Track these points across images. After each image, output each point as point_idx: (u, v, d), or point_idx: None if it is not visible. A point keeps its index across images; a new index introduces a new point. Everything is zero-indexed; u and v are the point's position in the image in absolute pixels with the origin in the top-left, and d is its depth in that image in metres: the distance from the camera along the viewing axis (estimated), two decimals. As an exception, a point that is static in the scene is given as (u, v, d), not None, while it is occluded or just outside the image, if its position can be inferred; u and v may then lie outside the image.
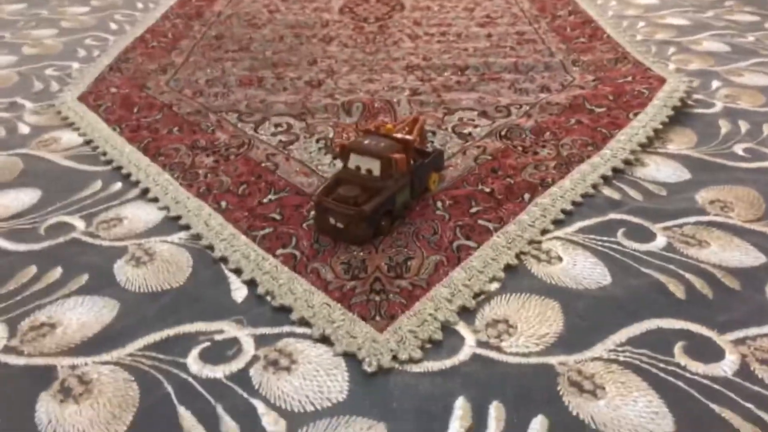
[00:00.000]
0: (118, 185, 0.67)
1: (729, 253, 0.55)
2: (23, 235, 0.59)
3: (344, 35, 1.13)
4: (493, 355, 0.45)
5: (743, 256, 0.55)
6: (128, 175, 0.68)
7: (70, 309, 0.50)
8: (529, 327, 0.47)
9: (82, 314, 0.49)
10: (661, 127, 0.75)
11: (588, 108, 0.80)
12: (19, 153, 0.75)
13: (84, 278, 0.53)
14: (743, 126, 0.77)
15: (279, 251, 0.55)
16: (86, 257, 0.56)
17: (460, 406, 0.41)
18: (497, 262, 0.53)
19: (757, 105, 0.83)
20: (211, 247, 0.56)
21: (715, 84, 0.89)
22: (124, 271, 0.54)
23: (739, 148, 0.72)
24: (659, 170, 0.68)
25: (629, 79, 0.88)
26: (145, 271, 0.54)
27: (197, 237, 0.58)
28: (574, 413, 0.41)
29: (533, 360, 0.45)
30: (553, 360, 0.44)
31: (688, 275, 0.52)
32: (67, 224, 0.61)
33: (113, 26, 1.21)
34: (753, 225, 0.59)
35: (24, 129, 0.81)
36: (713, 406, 0.41)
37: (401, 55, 1.02)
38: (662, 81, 0.86)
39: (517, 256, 0.55)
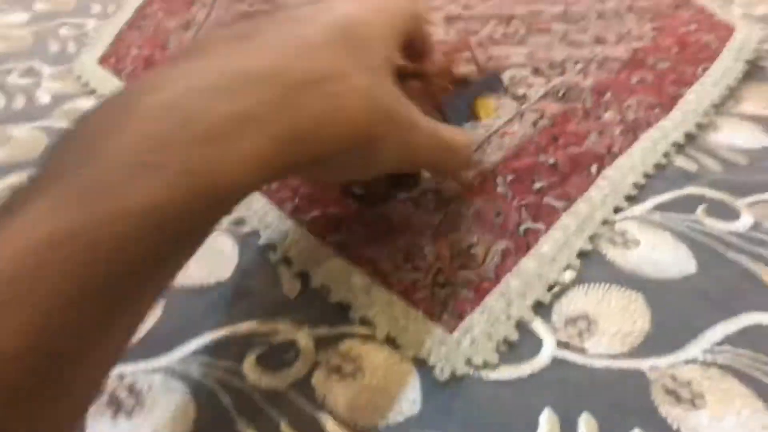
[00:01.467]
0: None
1: (825, 233, 0.50)
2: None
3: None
4: (576, 358, 0.41)
5: (841, 235, 0.49)
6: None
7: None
8: (612, 324, 0.43)
9: (125, 314, 0.46)
10: (734, 83, 0.68)
11: (650, 63, 0.73)
12: (42, 126, 0.70)
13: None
14: (824, 80, 0.70)
15: (329, 238, 0.51)
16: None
17: (546, 419, 0.38)
18: (569, 248, 0.49)
19: (835, 54, 0.75)
20: (256, 234, 0.52)
21: (786, 31, 0.81)
22: (165, 263, 0.50)
23: (821, 107, 0.66)
24: (736, 135, 0.62)
25: (692, 27, 0.81)
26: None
27: (240, 221, 0.54)
28: (674, 427, 0.37)
29: (621, 363, 0.41)
30: (643, 364, 0.40)
31: (784, 262, 0.47)
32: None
33: (127, -23, 1.14)
34: None
35: (44, 98, 0.76)
36: (830, 419, 0.37)
37: (440, 3, 0.94)
38: (730, 29, 0.78)
39: (591, 239, 0.50)
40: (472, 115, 0.45)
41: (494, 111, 0.46)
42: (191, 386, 0.41)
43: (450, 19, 0.89)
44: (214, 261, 0.50)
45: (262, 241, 0.51)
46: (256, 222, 0.53)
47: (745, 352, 0.41)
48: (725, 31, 0.78)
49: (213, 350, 0.43)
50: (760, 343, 0.41)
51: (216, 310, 0.46)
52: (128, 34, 0.89)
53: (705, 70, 0.71)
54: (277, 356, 0.42)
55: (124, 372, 0.42)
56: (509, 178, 0.56)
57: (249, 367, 0.42)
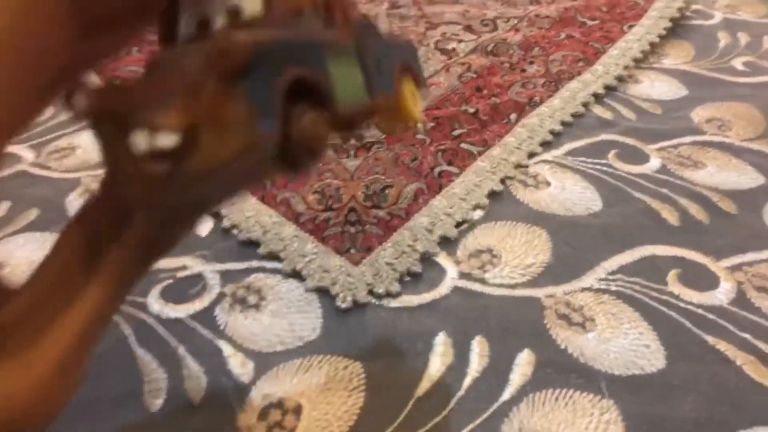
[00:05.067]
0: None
1: (725, 175, 0.52)
2: (-32, 167, 0.55)
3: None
4: (476, 287, 0.42)
5: (740, 177, 0.51)
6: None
7: (18, 247, 0.46)
8: (515, 257, 0.44)
9: (31, 252, 0.45)
10: (657, 40, 0.70)
11: (579, 21, 0.75)
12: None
13: (33, 213, 0.49)
14: (743, 38, 0.72)
15: (246, 180, 0.51)
16: (36, 190, 0.51)
17: (441, 342, 0.39)
18: (481, 189, 0.50)
19: (758, 16, 0.78)
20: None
21: (714, -7, 0.83)
22: (76, 206, 0.50)
23: (738, 62, 0.68)
24: (654, 87, 0.64)
25: (624, -12, 0.82)
26: (102, 204, 0.50)
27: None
28: (563, 347, 0.38)
29: (519, 292, 0.42)
30: (539, 292, 0.42)
31: (682, 200, 0.49)
32: (14, 155, 0.56)
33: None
34: (751, 144, 0.55)
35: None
36: (707, 337, 0.38)
37: (379, -35, 0.94)
38: (659, -10, 0.80)
39: (503, 181, 0.51)
40: (393, 96, 0.23)
41: (416, 99, 0.25)
42: (94, 318, 0.41)
43: (389, -20, 0.89)
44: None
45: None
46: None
47: (638, 280, 0.42)
48: (654, -8, 0.80)
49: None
50: (651, 272, 0.43)
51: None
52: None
53: (631, 27, 0.72)
54: (182, 289, 0.42)
55: (27, 306, 0.41)
56: (430, 125, 0.57)
57: (153, 299, 0.42)
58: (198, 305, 0.41)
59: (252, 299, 0.42)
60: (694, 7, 0.78)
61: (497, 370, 0.37)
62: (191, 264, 0.44)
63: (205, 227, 0.47)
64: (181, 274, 0.44)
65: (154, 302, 0.41)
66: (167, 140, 0.14)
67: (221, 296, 0.42)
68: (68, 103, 0.15)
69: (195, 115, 0.14)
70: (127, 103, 0.14)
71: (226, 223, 0.47)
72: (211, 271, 0.44)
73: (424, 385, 0.36)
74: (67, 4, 0.14)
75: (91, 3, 0.15)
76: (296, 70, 0.15)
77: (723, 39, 0.72)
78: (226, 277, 0.43)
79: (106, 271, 0.17)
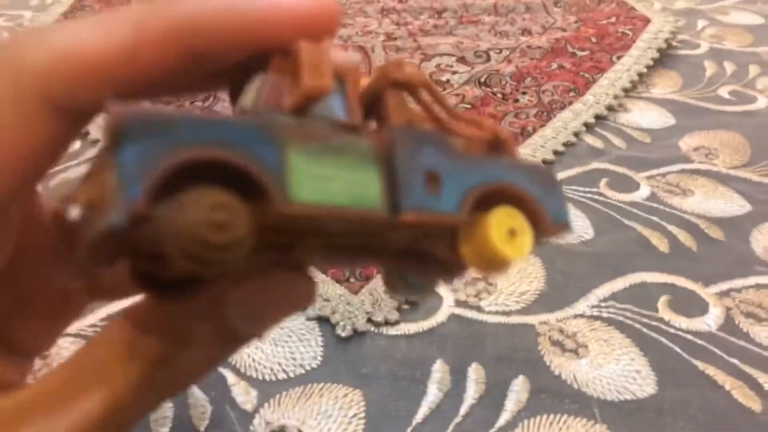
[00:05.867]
0: (77, 144, 0.64)
1: (713, 202, 0.53)
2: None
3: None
4: (472, 315, 0.43)
5: (727, 204, 0.53)
6: (86, 134, 0.65)
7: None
8: (510, 285, 0.46)
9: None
10: (645, 70, 0.72)
11: (570, 51, 0.77)
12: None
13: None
14: (729, 67, 0.75)
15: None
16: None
17: (439, 369, 0.40)
18: (476, 217, 0.51)
19: (743, 45, 0.80)
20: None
21: (700, 23, 0.86)
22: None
23: (724, 91, 0.70)
24: (643, 116, 0.66)
25: (613, 19, 0.85)
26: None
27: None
28: (556, 373, 0.39)
29: (514, 319, 0.43)
30: (533, 319, 0.43)
31: (671, 227, 0.50)
32: None
33: (69, -30, 1.13)
34: (738, 171, 0.57)
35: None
36: (696, 362, 0.40)
37: (375, -3, 0.97)
38: (647, 21, 0.82)
39: (497, 210, 0.52)
40: (460, 219, 0.17)
41: (518, 247, 0.17)
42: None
43: (385, 12, 0.91)
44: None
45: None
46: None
47: (629, 307, 0.44)
48: (642, 23, 0.82)
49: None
50: (642, 299, 0.44)
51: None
52: (64, 24, 0.90)
53: (620, 57, 0.74)
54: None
55: (34, 337, 0.43)
56: (426, 155, 0.59)
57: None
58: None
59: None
60: (680, 37, 0.81)
61: (493, 397, 0.38)
62: (195, 294, 0.45)
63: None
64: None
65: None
66: (72, 213, 0.15)
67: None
68: None
69: (93, 187, 0.14)
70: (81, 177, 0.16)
71: (228, 253, 0.48)
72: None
73: (423, 412, 0.37)
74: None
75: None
76: (202, 151, 0.13)
77: (709, 68, 0.74)
78: (229, 306, 0.44)
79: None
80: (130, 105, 0.13)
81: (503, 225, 0.17)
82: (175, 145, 0.12)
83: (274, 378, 0.40)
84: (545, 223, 0.18)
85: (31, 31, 0.15)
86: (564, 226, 0.18)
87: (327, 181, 0.14)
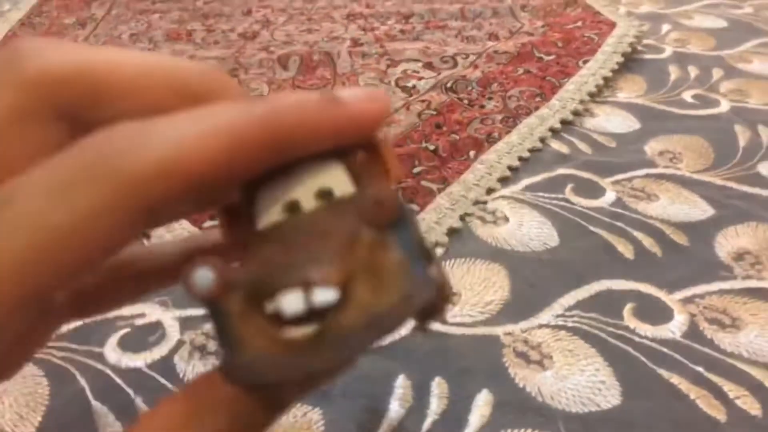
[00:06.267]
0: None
1: (677, 207, 0.53)
2: None
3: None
4: (435, 326, 0.43)
5: (691, 209, 0.53)
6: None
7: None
8: (474, 295, 0.45)
9: None
10: (611, 74, 0.72)
11: (536, 56, 0.77)
12: None
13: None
14: (692, 71, 0.75)
15: (207, 223, 0.51)
16: None
17: (401, 385, 0.39)
18: (440, 226, 0.50)
19: (706, 48, 0.81)
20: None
21: (665, 27, 0.86)
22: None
23: (688, 95, 0.70)
24: (609, 120, 0.66)
25: (579, 24, 0.85)
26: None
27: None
28: (521, 386, 0.39)
29: (478, 330, 0.42)
30: (498, 330, 0.42)
31: (636, 233, 0.50)
32: None
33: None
34: (701, 175, 0.57)
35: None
36: (661, 371, 0.39)
37: (342, 2, 0.96)
38: (612, 26, 0.83)
39: (462, 218, 0.52)
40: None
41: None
42: (48, 371, 0.40)
43: (351, 17, 0.90)
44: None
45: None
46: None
47: (594, 315, 0.43)
48: (608, 27, 0.82)
49: (74, 336, 0.42)
50: (607, 307, 0.44)
51: (84, 297, 0.45)
52: (21, 31, 0.87)
53: (586, 62, 0.74)
54: (140, 337, 0.42)
55: None
56: (390, 163, 0.58)
57: (111, 348, 0.41)
58: (156, 354, 0.41)
59: (212, 346, 0.41)
60: (645, 41, 0.81)
61: (456, 412, 0.37)
62: (149, 311, 0.44)
63: (164, 272, 0.47)
64: (139, 322, 0.43)
65: (112, 351, 0.41)
66: (326, 295, 0.13)
67: (180, 344, 0.41)
68: (188, 283, 0.14)
69: (352, 268, 0.13)
70: (266, 270, 0.14)
71: (185, 267, 0.47)
72: (170, 318, 0.43)
73: (384, 429, 0.36)
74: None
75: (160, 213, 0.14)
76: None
77: (673, 72, 0.75)
78: (186, 324, 0.43)
79: None
80: (396, 194, 0.14)
81: None
82: (415, 223, 0.14)
83: (231, 398, 0.38)
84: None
85: (135, 127, 0.13)
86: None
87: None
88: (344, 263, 0.13)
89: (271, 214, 0.15)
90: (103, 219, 0.13)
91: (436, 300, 0.14)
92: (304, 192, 0.15)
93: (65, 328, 0.42)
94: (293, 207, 0.15)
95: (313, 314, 0.13)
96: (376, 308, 0.13)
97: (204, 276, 0.13)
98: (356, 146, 0.15)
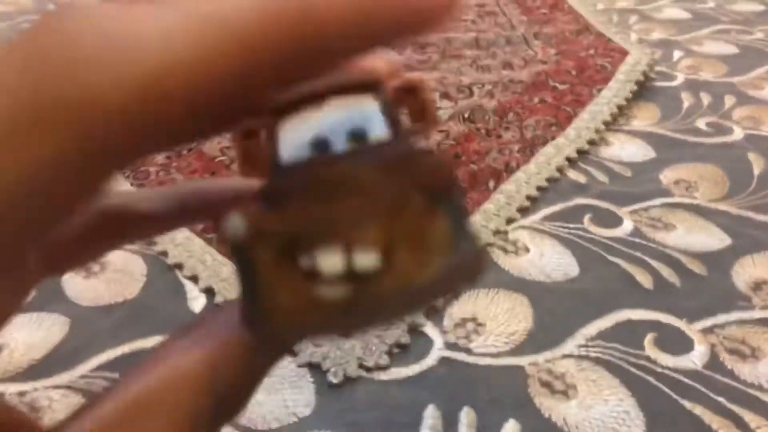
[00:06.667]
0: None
1: (694, 236, 0.54)
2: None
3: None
4: (462, 357, 0.44)
5: (708, 238, 0.54)
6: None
7: (16, 329, 0.47)
8: (498, 325, 0.46)
9: (30, 334, 0.46)
10: (625, 103, 0.74)
11: (551, 85, 0.79)
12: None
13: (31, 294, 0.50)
14: (705, 99, 0.76)
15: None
16: (31, 270, 0.52)
17: (430, 414, 0.40)
18: (464, 257, 0.52)
19: (718, 75, 0.82)
20: (164, 253, 0.54)
21: (677, 54, 0.88)
22: (74, 284, 0.51)
23: (701, 123, 0.72)
24: (624, 149, 0.67)
25: (591, 52, 0.87)
26: (96, 283, 0.51)
27: (150, 242, 0.55)
28: (546, 415, 0.40)
29: (503, 361, 0.44)
30: (523, 360, 0.44)
31: (655, 263, 0.51)
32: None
33: None
34: (717, 204, 0.58)
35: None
36: (684, 401, 0.40)
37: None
38: (624, 53, 0.84)
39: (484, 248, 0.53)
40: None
41: None
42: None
43: (369, 47, 0.93)
44: (122, 280, 0.51)
45: (170, 260, 0.53)
46: (166, 241, 0.54)
47: (615, 346, 0.44)
48: (620, 55, 0.84)
49: (116, 366, 0.44)
50: (628, 337, 0.45)
51: (122, 328, 0.47)
52: None
53: (600, 90, 0.76)
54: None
55: (25, 389, 0.42)
56: (412, 193, 0.59)
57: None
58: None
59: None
60: (657, 68, 0.83)
61: (485, 442, 0.38)
62: (186, 342, 0.45)
63: (198, 303, 0.49)
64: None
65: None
66: (367, 259, 0.12)
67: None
68: (220, 228, 0.13)
69: (396, 233, 0.12)
70: (303, 223, 0.12)
71: (218, 299, 0.49)
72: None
73: (416, 459, 0.37)
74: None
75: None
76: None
77: (686, 100, 0.76)
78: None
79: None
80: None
81: None
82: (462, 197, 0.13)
83: (267, 427, 0.40)
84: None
85: (95, 17, 0.10)
86: None
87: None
88: (390, 227, 0.12)
89: (297, 149, 0.13)
90: (62, 173, 0.10)
91: (475, 274, 0.13)
92: (335, 129, 0.13)
93: (107, 357, 0.44)
94: (322, 145, 0.13)
95: (349, 275, 0.12)
96: (416, 280, 0.12)
97: (237, 223, 0.12)
98: (391, 86, 0.14)
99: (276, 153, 0.13)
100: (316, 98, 0.13)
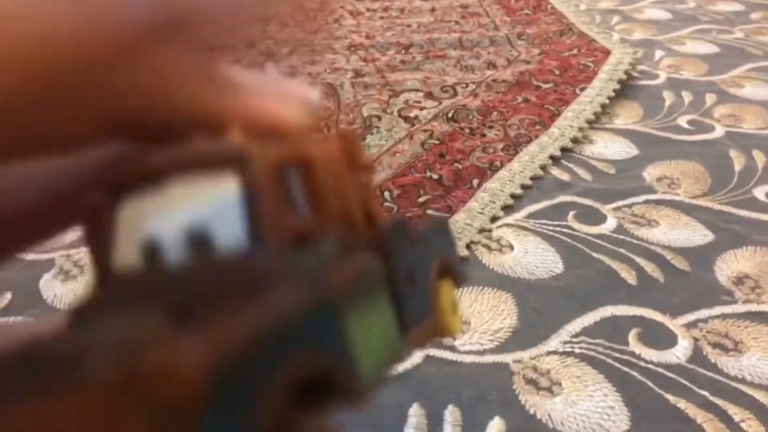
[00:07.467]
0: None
1: (677, 232, 0.55)
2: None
3: (283, 13, 1.08)
4: (446, 355, 0.44)
5: (691, 234, 0.54)
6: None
7: (-8, 334, 0.46)
8: (483, 323, 0.46)
9: (5, 339, 0.45)
10: (607, 101, 0.74)
11: (534, 84, 0.79)
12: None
13: (7, 297, 0.49)
14: (686, 97, 0.77)
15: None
16: (8, 273, 0.52)
17: (415, 413, 0.40)
18: (448, 255, 0.52)
19: (699, 74, 0.83)
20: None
21: (658, 54, 0.89)
22: (51, 287, 0.50)
23: (683, 121, 0.72)
24: (607, 147, 0.67)
25: (574, 51, 0.87)
26: (76, 286, 0.50)
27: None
28: (531, 412, 0.40)
29: (488, 358, 0.43)
30: (508, 357, 0.43)
31: (638, 259, 0.51)
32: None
33: None
34: (699, 200, 0.59)
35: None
36: (668, 396, 0.40)
37: (343, 33, 0.98)
38: (607, 53, 0.85)
39: (468, 246, 0.53)
40: (431, 318, 0.14)
41: (458, 316, 0.15)
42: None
43: (353, 48, 0.93)
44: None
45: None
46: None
47: (600, 341, 0.44)
48: (602, 55, 0.85)
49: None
50: (613, 333, 0.45)
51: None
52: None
53: (583, 89, 0.76)
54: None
55: None
56: (396, 192, 0.59)
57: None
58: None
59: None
60: (639, 67, 0.83)
61: (470, 440, 0.38)
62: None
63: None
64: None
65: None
66: None
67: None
68: None
69: None
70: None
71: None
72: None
73: (400, 459, 0.37)
74: None
75: None
76: (299, 363, 0.08)
77: (668, 98, 0.77)
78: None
79: None
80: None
81: (448, 300, 0.15)
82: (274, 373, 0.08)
83: None
84: (463, 280, 0.16)
85: None
86: (465, 275, 0.17)
87: (371, 339, 0.10)
88: None
89: (126, 250, 0.10)
90: None
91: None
92: (173, 225, 0.10)
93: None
94: (152, 251, 0.10)
95: None
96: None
97: None
98: (280, 154, 0.10)
99: (108, 251, 0.10)
100: (158, 176, 0.10)
